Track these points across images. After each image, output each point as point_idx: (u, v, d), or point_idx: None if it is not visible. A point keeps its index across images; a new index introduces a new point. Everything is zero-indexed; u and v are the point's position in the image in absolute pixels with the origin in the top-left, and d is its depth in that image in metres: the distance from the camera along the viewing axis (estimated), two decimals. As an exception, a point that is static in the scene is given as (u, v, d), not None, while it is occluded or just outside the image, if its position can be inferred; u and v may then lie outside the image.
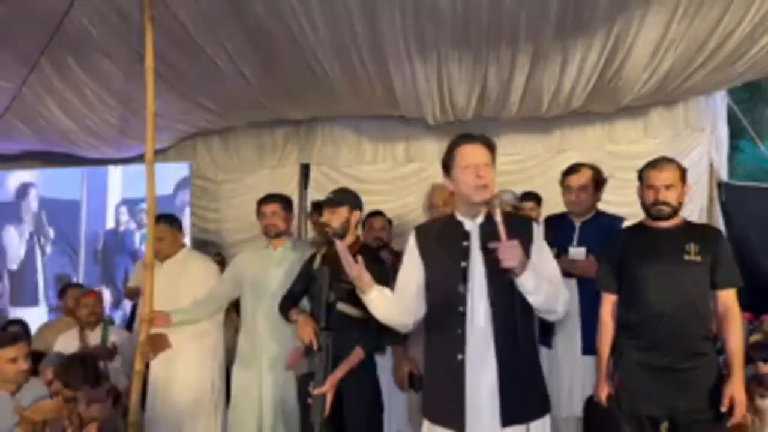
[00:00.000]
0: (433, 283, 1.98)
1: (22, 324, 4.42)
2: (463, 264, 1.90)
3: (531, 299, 1.83)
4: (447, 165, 2.00)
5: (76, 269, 4.65)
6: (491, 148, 1.96)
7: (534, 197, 3.88)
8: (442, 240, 1.98)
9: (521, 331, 1.84)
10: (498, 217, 1.79)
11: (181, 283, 3.12)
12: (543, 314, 1.93)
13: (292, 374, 2.88)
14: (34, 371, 2.92)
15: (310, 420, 2.38)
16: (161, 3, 3.15)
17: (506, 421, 1.82)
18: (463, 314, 1.87)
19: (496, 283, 1.85)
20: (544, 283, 1.83)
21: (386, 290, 1.95)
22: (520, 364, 1.85)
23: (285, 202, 3.04)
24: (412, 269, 2.02)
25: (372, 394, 2.61)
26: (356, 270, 1.85)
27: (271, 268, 2.96)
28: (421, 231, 2.07)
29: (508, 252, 1.74)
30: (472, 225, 1.96)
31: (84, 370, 2.98)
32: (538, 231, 1.98)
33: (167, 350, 3.05)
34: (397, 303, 1.98)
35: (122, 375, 3.53)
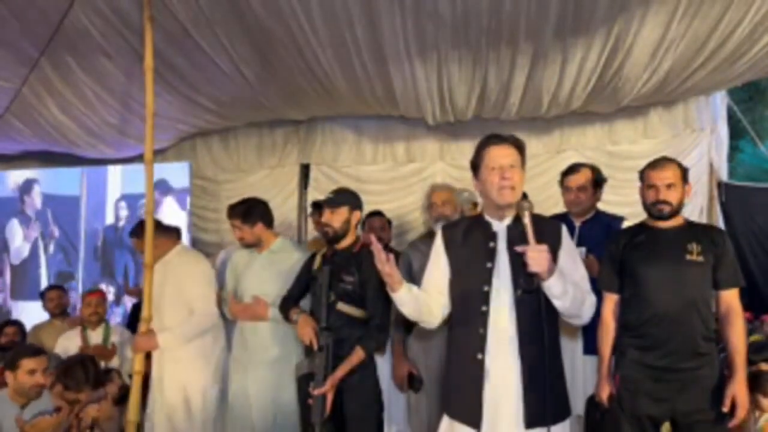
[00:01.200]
0: (457, 282, 1.97)
1: (18, 324, 4.43)
2: (488, 264, 1.89)
3: (557, 303, 1.82)
4: (475, 165, 1.98)
5: (76, 265, 4.66)
6: (521, 149, 1.95)
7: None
8: (468, 240, 1.98)
9: (546, 333, 1.83)
10: (526, 220, 1.79)
11: (167, 283, 3.00)
12: (568, 319, 1.92)
13: (282, 373, 2.85)
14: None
15: (310, 420, 2.38)
16: (161, 3, 3.15)
17: (530, 423, 1.82)
18: (486, 314, 1.87)
19: (521, 287, 1.85)
20: (571, 287, 1.83)
21: (414, 288, 1.94)
22: (544, 366, 1.84)
23: (243, 214, 2.92)
24: (438, 268, 2.02)
25: (372, 393, 2.61)
26: (388, 267, 1.83)
27: (255, 270, 2.97)
28: (449, 230, 2.06)
29: (536, 256, 1.73)
30: (499, 226, 1.95)
31: (84, 372, 2.98)
32: (567, 234, 1.98)
33: (160, 351, 2.96)
34: (424, 301, 1.97)
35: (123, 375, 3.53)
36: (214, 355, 3.06)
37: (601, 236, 2.77)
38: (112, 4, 3.27)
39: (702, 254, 2.31)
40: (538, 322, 1.82)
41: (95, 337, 3.67)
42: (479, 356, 1.86)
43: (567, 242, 1.96)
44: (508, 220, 1.95)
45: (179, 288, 2.98)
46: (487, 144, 1.96)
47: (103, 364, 3.57)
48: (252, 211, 2.94)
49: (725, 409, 2.23)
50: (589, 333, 2.71)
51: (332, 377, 2.38)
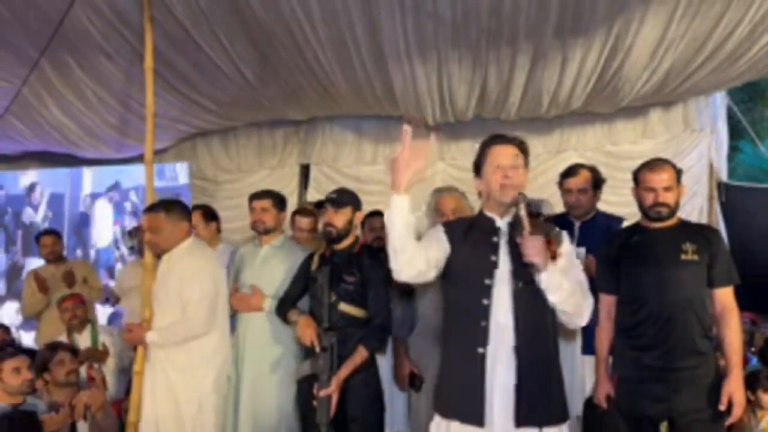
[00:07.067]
0: (459, 274, 1.97)
1: (3, 327, 4.53)
2: (492, 258, 1.91)
3: (553, 298, 1.84)
4: (478, 164, 2.01)
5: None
6: (524, 151, 1.99)
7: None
8: (472, 234, 1.99)
9: (543, 332, 1.85)
10: (522, 212, 1.82)
11: (169, 279, 2.79)
12: (565, 317, 1.91)
13: (268, 372, 2.81)
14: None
15: (315, 421, 2.36)
16: (161, 3, 3.15)
17: (520, 421, 1.81)
18: (488, 307, 1.88)
19: (521, 281, 1.87)
20: (568, 282, 1.84)
21: (414, 219, 1.86)
22: (539, 364, 1.84)
23: (278, 199, 3.01)
24: (437, 241, 1.98)
25: (375, 394, 2.60)
26: (407, 152, 1.78)
27: (255, 266, 2.96)
28: (450, 225, 2.09)
29: (530, 245, 1.78)
30: (502, 222, 1.98)
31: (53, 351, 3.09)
32: (567, 238, 2.01)
33: (154, 357, 2.81)
34: (413, 239, 1.88)
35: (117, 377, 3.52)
36: (215, 362, 2.81)
37: (600, 237, 2.77)
38: (112, 4, 3.27)
39: (697, 253, 2.31)
40: (536, 317, 1.84)
41: (83, 340, 3.54)
42: (480, 350, 1.86)
43: (567, 245, 1.99)
44: (509, 218, 1.97)
45: (179, 287, 2.74)
46: (491, 143, 1.98)
47: (97, 366, 3.52)
48: (283, 200, 3.06)
49: (722, 407, 2.23)
50: (588, 334, 2.71)
51: (337, 377, 2.37)
